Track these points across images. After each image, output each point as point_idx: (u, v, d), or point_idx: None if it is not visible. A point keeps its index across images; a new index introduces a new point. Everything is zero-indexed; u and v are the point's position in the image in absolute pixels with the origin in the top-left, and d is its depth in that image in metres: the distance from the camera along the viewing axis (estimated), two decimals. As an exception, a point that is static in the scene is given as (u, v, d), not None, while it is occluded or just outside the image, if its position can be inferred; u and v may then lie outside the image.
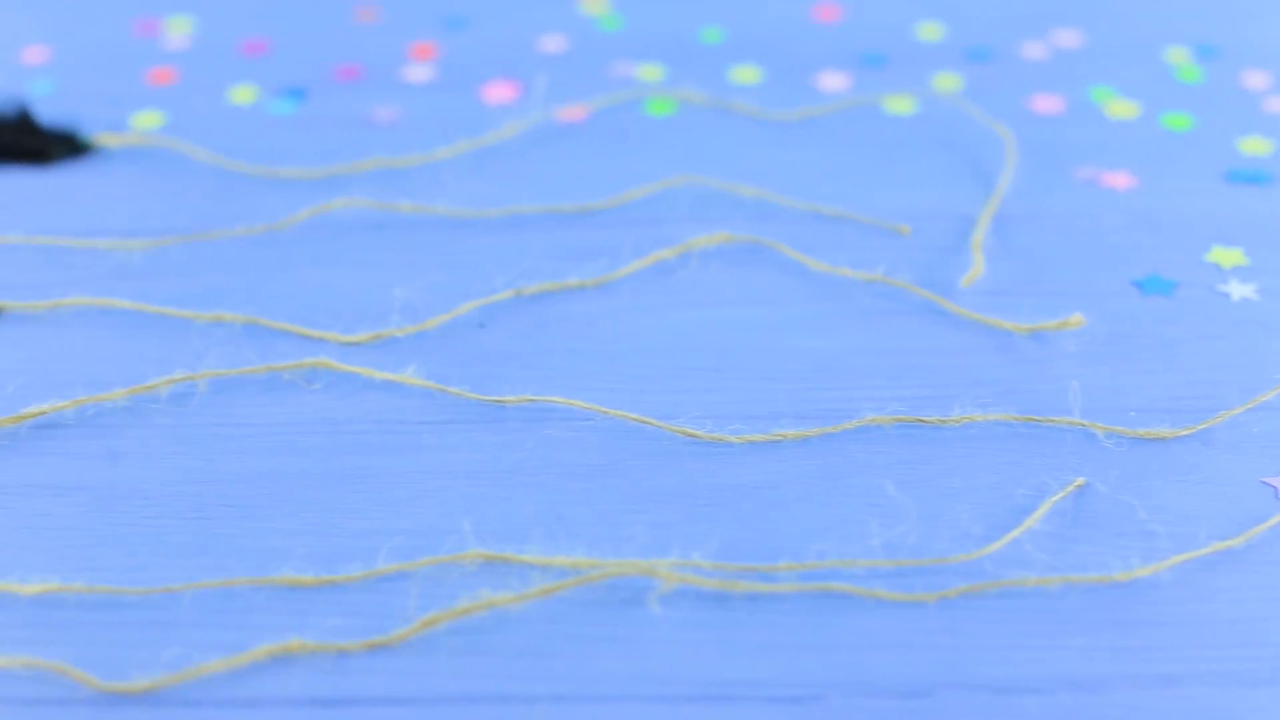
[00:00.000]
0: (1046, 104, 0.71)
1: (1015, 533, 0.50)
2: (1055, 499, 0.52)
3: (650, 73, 0.75)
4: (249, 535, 0.51)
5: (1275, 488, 0.52)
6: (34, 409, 0.55)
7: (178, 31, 0.80)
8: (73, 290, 0.62)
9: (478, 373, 0.57)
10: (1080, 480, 0.52)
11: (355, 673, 0.46)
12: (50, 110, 0.72)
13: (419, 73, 0.76)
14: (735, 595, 0.48)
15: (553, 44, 0.78)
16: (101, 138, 0.70)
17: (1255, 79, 0.74)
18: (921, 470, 0.53)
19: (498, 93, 0.73)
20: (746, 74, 0.74)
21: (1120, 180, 0.67)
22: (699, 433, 0.54)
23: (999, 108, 0.71)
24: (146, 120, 0.73)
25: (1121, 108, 0.72)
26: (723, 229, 0.63)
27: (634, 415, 0.54)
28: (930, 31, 0.78)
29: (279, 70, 0.77)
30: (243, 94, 0.75)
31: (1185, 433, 0.54)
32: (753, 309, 0.60)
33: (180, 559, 0.50)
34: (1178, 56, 0.76)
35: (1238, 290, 0.61)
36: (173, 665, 0.46)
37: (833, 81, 0.74)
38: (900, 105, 0.71)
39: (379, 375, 0.57)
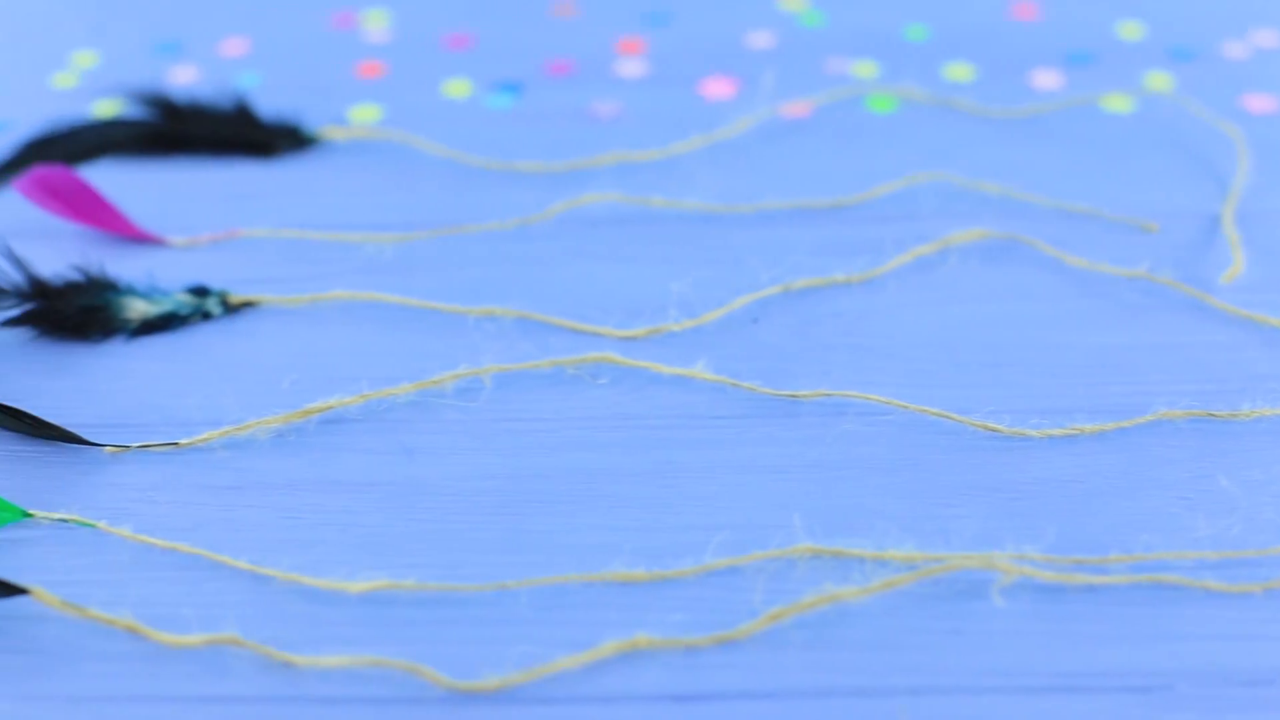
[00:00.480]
0: (1260, 103, 0.72)
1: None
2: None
3: (865, 69, 0.74)
4: (565, 531, 0.50)
5: None
6: (321, 404, 0.54)
7: (376, 25, 0.80)
8: (323, 284, 0.61)
9: (757, 367, 0.56)
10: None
11: (705, 668, 0.46)
12: (259, 103, 0.71)
13: (632, 68, 0.76)
14: (1070, 587, 0.48)
15: (760, 40, 0.78)
16: (327, 131, 0.69)
17: None
18: (1219, 464, 0.53)
19: (717, 88, 0.73)
20: (960, 71, 0.74)
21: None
22: (999, 427, 0.54)
23: (1213, 107, 0.71)
24: (364, 114, 0.72)
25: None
26: (972, 225, 0.63)
27: (935, 410, 0.54)
28: (1131, 30, 0.78)
29: (488, 65, 0.76)
30: (457, 88, 0.75)
31: None
32: (1018, 304, 0.60)
33: (496, 555, 0.49)
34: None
35: None
36: (518, 663, 0.46)
37: (1046, 79, 0.73)
38: (1118, 104, 0.71)
39: (668, 370, 0.56)
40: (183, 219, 0.65)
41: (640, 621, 0.47)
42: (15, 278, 0.59)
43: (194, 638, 0.46)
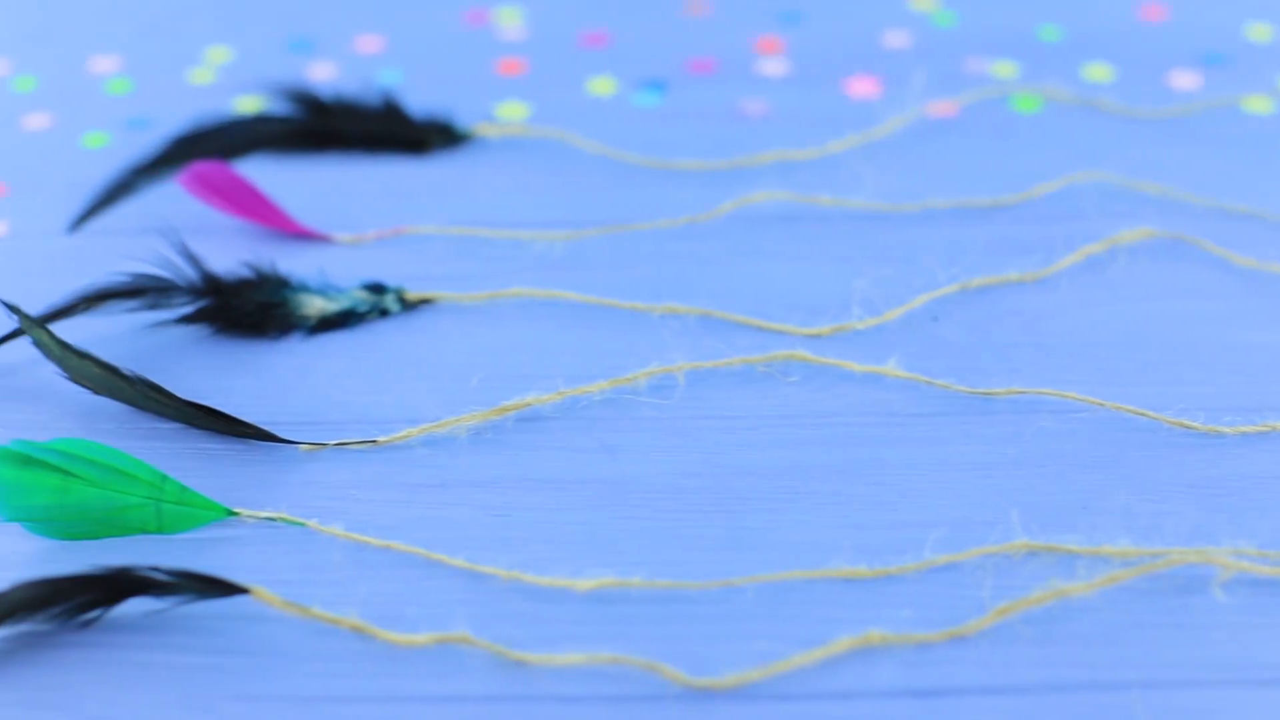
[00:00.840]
0: (1399, 107, 0.73)
1: None
2: None
3: (1005, 69, 0.75)
4: (780, 529, 0.50)
5: None
6: (518, 401, 0.54)
7: (510, 23, 0.80)
8: (495, 281, 0.61)
9: (941, 365, 0.57)
10: None
11: (937, 663, 0.46)
12: (402, 100, 0.71)
13: (773, 67, 0.76)
14: (1286, 583, 0.49)
15: (897, 40, 0.78)
16: (480, 128, 0.69)
17: None
18: None
19: (861, 87, 0.73)
20: (1099, 72, 0.75)
21: None
22: (1195, 424, 0.54)
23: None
24: (511, 111, 0.72)
25: None
26: (1133, 224, 0.63)
27: (1130, 407, 0.54)
28: (1260, 32, 0.78)
29: (628, 62, 0.77)
30: (601, 85, 0.75)
31: None
32: (1191, 302, 0.60)
33: (713, 552, 0.49)
34: None
35: None
36: (750, 660, 0.46)
37: (1185, 80, 0.74)
38: (1258, 105, 0.72)
39: (859, 368, 0.56)
40: (341, 216, 0.65)
41: (868, 618, 0.47)
42: (189, 274, 0.59)
43: (423, 637, 0.46)
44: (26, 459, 0.49)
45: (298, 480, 0.52)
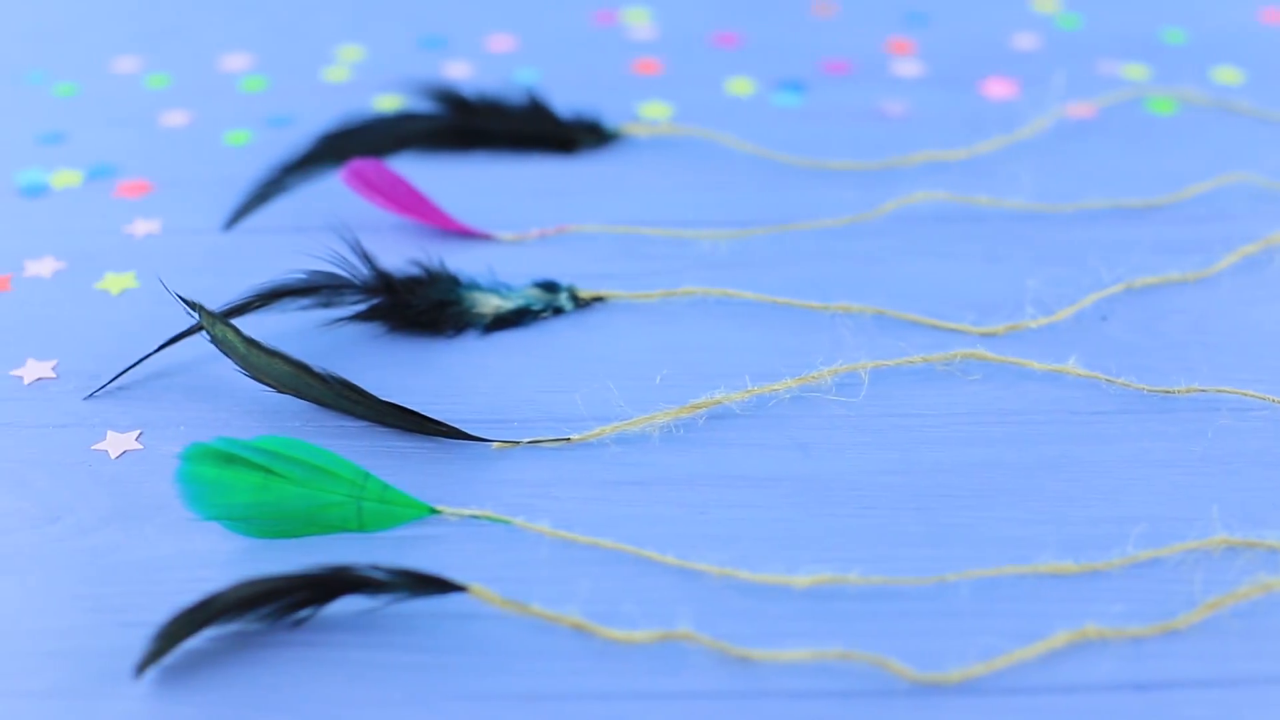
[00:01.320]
0: None
1: None
2: None
3: (1136, 71, 0.75)
4: (983, 525, 0.50)
5: None
6: (708, 399, 0.54)
7: (639, 22, 0.80)
8: (662, 280, 0.61)
9: (1114, 364, 0.57)
10: None
11: (1152, 657, 0.46)
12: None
13: (908, 68, 0.76)
14: None
15: (1026, 42, 0.79)
16: (628, 127, 0.69)
17: None
18: None
19: (999, 89, 0.74)
20: (1229, 75, 0.75)
21: None
22: (1376, 423, 0.55)
23: None
24: (653, 110, 0.73)
25: None
26: (1283, 225, 0.65)
27: (1315, 406, 0.55)
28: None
29: (764, 63, 0.77)
30: (740, 86, 0.75)
31: None
32: (1348, 303, 0.62)
33: (920, 549, 0.50)
34: None
35: None
36: (970, 655, 0.46)
37: (1312, 83, 0.75)
38: (1391, 109, 0.73)
39: (1040, 366, 0.57)
40: (498, 214, 0.66)
41: (1080, 613, 0.47)
42: (363, 271, 0.58)
43: (645, 634, 0.46)
44: (229, 457, 0.49)
45: (492, 478, 0.52)
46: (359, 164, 0.64)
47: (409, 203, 0.64)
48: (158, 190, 0.68)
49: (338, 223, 0.60)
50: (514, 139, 0.69)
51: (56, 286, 0.62)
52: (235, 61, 0.78)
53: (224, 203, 0.66)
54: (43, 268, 0.63)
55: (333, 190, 0.66)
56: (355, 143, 0.68)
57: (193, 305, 0.56)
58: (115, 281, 0.62)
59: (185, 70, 0.78)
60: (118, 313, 0.61)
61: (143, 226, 0.66)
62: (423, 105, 0.71)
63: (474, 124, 0.70)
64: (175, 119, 0.73)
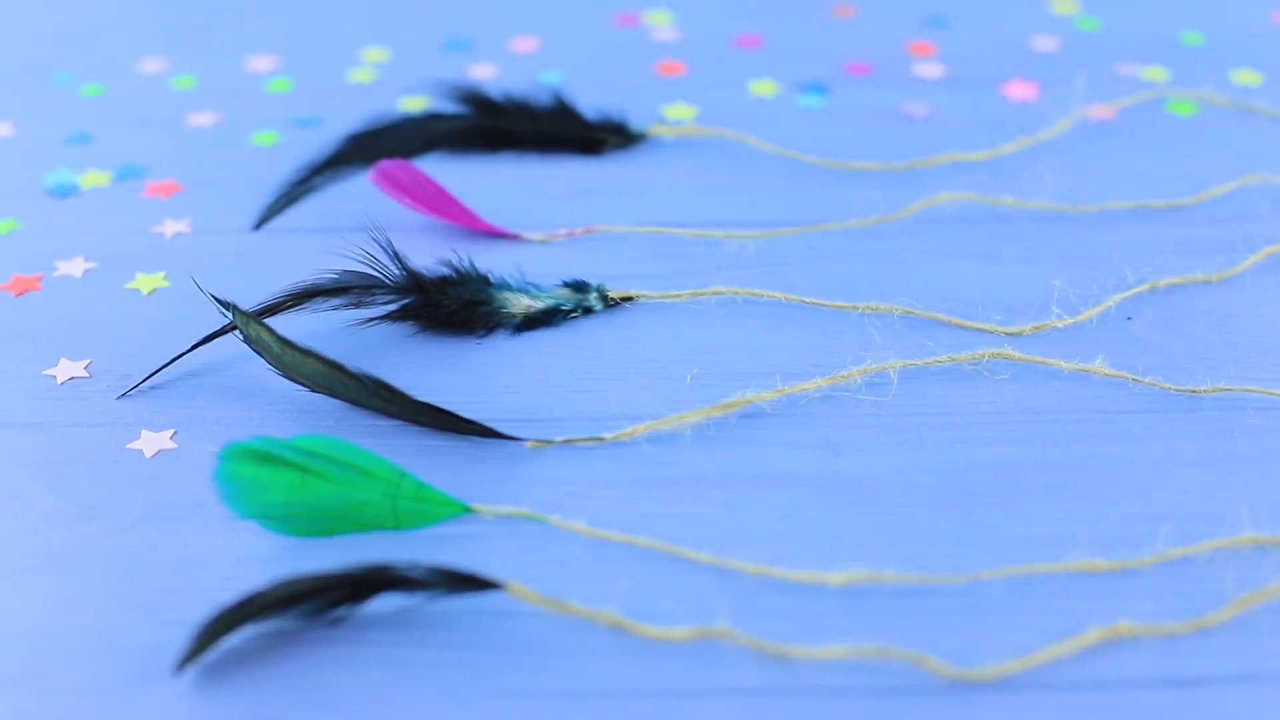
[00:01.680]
0: None
1: None
2: None
3: (1155, 74, 0.76)
4: (1013, 523, 0.51)
5: None
6: (739, 399, 0.55)
7: (661, 23, 0.81)
8: (691, 280, 0.62)
9: (1140, 363, 0.57)
10: None
11: (1185, 653, 0.47)
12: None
13: (930, 70, 0.77)
14: None
15: (1045, 44, 0.79)
16: (654, 128, 0.70)
17: None
18: None
19: (1019, 90, 0.75)
20: (1247, 77, 0.76)
21: None
22: (1405, 422, 0.55)
23: None
24: (679, 112, 0.73)
25: None
26: (1307, 225, 0.65)
27: (1338, 405, 0.56)
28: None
29: (786, 64, 0.78)
30: (764, 87, 0.76)
31: None
32: (1372, 302, 0.62)
33: (951, 546, 0.50)
34: None
35: None
36: (1005, 651, 0.46)
37: (1329, 84, 0.76)
38: (1406, 111, 0.74)
39: (1068, 366, 0.57)
40: (525, 214, 0.66)
41: (1112, 609, 0.48)
42: (394, 271, 0.59)
43: (683, 631, 0.47)
44: (266, 455, 0.50)
45: (526, 477, 0.53)
46: (387, 165, 0.64)
47: (437, 203, 0.64)
48: (186, 191, 0.69)
49: (368, 223, 0.60)
50: (540, 140, 0.70)
51: (87, 286, 0.63)
52: (261, 63, 0.78)
53: (252, 203, 0.67)
54: (73, 267, 0.63)
55: (362, 190, 0.66)
56: (382, 143, 0.68)
57: (226, 305, 0.56)
58: (146, 281, 0.63)
59: (212, 71, 0.78)
60: (149, 312, 0.61)
61: (172, 227, 0.66)
62: (448, 106, 0.71)
63: (500, 125, 0.70)
64: (202, 120, 0.74)
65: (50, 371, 0.58)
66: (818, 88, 0.75)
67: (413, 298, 0.59)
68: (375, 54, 0.78)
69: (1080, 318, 0.60)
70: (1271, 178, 0.67)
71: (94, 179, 0.69)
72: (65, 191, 0.69)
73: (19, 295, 0.62)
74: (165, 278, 0.63)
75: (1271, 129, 0.72)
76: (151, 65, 0.79)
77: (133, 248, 0.65)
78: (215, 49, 0.81)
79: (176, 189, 0.69)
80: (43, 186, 0.69)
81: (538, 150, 0.70)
